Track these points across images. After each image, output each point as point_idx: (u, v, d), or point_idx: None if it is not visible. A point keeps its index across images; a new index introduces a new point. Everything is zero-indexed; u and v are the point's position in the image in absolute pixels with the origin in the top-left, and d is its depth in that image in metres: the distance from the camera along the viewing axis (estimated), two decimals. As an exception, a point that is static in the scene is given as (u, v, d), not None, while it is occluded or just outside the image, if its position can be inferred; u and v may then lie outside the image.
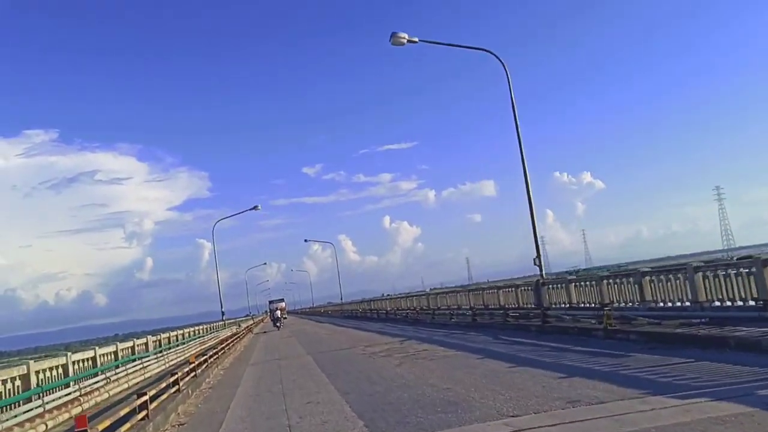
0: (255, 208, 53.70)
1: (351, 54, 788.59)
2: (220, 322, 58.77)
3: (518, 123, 25.47)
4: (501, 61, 25.29)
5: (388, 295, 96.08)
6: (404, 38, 24.54)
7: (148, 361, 23.88)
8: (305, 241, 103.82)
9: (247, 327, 62.47)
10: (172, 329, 40.83)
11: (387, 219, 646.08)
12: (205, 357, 22.93)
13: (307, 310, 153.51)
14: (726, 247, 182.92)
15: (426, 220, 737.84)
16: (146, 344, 27.31)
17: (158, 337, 30.80)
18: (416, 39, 25.01)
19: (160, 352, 27.93)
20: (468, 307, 31.51)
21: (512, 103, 25.43)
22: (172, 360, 27.49)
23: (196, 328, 45.87)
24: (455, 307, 34.59)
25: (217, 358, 26.06)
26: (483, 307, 29.73)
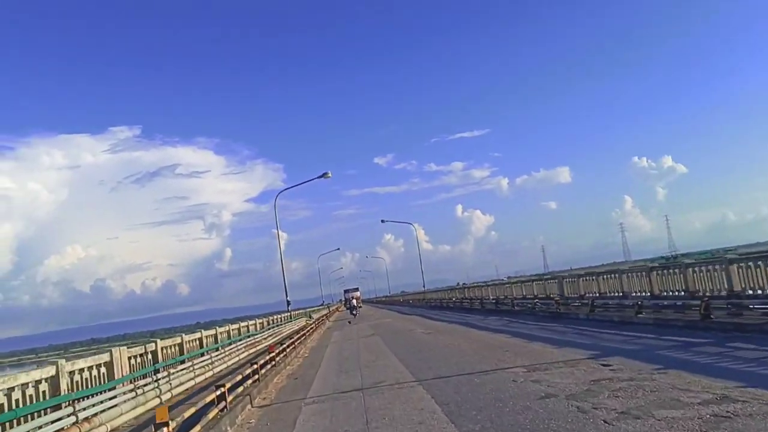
0: (325, 175, 44.98)
1: (420, 42, 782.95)
2: (286, 314, 50.54)
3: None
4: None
5: (464, 284, 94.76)
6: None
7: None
8: (382, 221, 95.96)
9: (319, 318, 57.95)
10: (251, 317, 38.99)
11: (459, 208, 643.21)
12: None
13: (384, 299, 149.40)
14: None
15: (499, 208, 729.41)
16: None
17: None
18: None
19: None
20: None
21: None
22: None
23: (248, 323, 33.43)
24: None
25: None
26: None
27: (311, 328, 39.64)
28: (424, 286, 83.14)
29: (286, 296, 46.37)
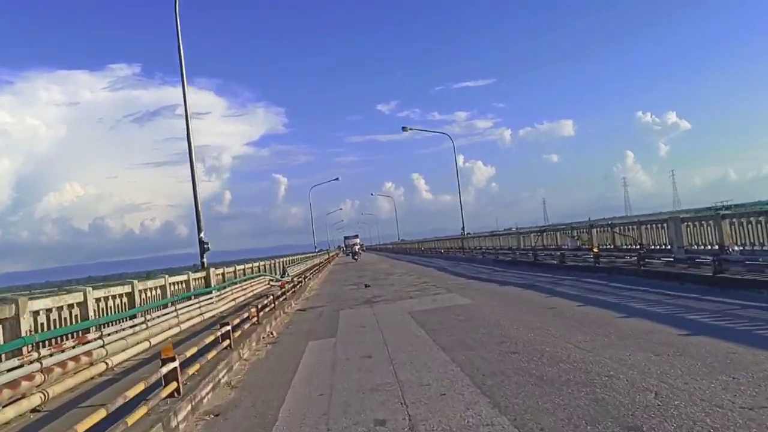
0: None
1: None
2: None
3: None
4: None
5: (468, 233, 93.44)
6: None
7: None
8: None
9: (324, 260, 71.31)
10: (254, 260, 39.49)
11: (461, 158, 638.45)
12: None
13: (391, 246, 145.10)
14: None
15: (501, 159, 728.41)
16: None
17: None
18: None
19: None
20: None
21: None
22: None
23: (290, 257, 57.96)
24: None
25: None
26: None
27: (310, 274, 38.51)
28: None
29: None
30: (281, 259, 47.87)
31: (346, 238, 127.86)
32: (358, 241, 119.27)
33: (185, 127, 22.42)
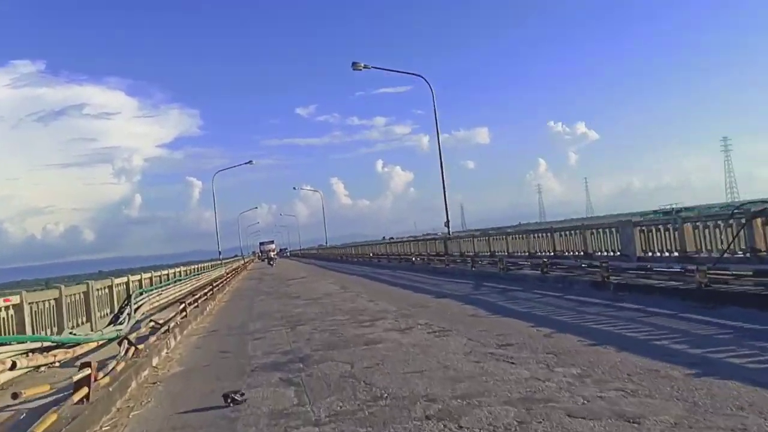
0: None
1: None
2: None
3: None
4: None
5: (391, 238, 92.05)
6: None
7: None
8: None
9: (232, 270, 52.81)
10: (163, 267, 38.03)
11: (380, 163, 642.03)
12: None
13: (316, 251, 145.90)
14: (730, 201, 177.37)
15: (419, 165, 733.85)
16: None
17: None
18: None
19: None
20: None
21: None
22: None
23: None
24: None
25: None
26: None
27: (223, 280, 33.08)
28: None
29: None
30: (144, 277, 25.65)
31: (261, 243, 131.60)
32: (273, 246, 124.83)
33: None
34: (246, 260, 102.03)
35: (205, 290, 23.26)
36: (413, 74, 33.45)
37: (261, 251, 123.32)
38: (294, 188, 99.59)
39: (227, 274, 43.03)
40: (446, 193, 32.49)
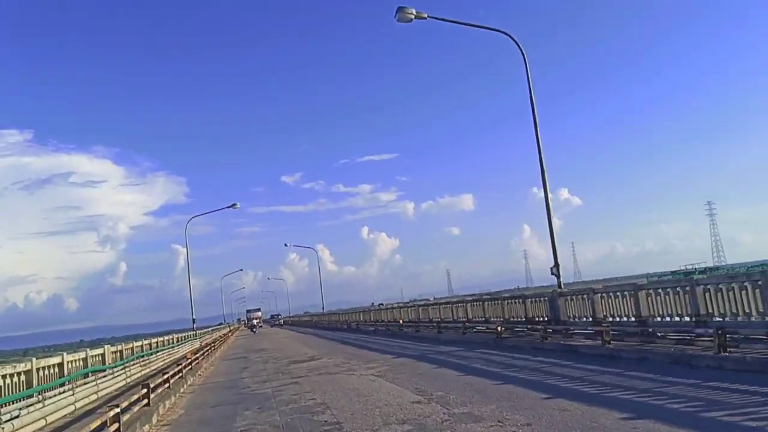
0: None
1: (334, 63, 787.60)
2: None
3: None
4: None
5: (381, 304, 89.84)
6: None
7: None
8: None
9: (211, 343, 40.66)
10: (145, 336, 35.54)
11: (365, 230, 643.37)
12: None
13: (309, 319, 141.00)
14: (717, 264, 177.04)
15: (404, 232, 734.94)
16: None
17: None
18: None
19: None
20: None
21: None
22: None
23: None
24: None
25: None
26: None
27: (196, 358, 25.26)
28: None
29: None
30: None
31: (248, 311, 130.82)
32: (259, 314, 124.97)
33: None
34: (232, 328, 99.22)
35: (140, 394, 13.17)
36: (495, 30, 22.96)
37: (248, 318, 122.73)
38: (286, 245, 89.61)
39: (200, 349, 32.17)
40: (552, 231, 22.38)
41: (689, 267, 79.53)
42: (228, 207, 50.10)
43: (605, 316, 18.22)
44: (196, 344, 42.13)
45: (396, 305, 57.23)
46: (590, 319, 18.82)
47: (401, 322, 37.15)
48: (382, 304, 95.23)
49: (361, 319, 54.25)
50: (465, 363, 17.02)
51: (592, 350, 15.88)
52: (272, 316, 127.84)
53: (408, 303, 69.15)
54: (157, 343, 32.61)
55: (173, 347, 34.28)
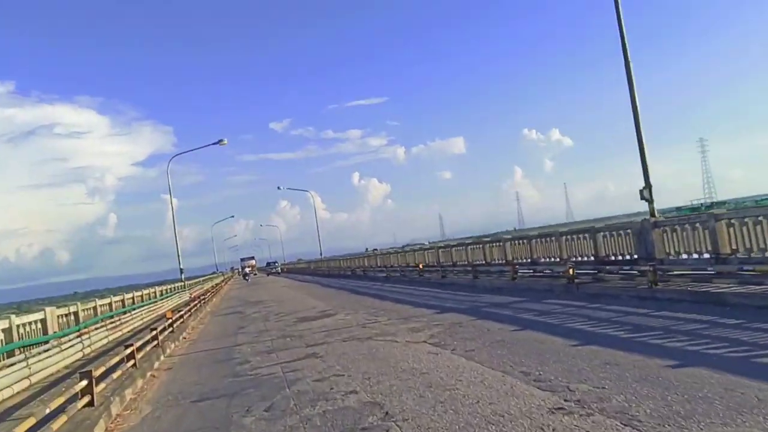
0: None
1: (321, 5, 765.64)
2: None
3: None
4: None
5: (375, 249, 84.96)
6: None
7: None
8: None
9: (202, 295, 35.20)
10: (137, 288, 35.28)
11: (356, 176, 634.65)
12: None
13: (305, 266, 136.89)
14: (708, 201, 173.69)
15: (396, 177, 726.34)
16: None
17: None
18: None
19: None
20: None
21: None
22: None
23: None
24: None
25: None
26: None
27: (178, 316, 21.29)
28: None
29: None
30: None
31: (242, 259, 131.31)
32: (253, 262, 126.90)
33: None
34: (226, 276, 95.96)
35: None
36: None
37: (242, 267, 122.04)
38: (279, 188, 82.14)
39: (188, 303, 28.04)
40: (642, 144, 17.35)
41: (695, 203, 79.46)
42: (214, 143, 44.10)
43: (734, 251, 13.36)
44: (186, 296, 37.64)
45: (392, 250, 53.02)
46: (710, 255, 13.95)
47: (421, 266, 32.00)
48: (376, 249, 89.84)
49: (367, 264, 48.96)
50: (555, 321, 11.89)
51: (748, 299, 10.97)
52: (268, 264, 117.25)
53: (404, 248, 64.10)
54: (141, 297, 28.89)
55: (155, 302, 29.39)
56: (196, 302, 27.97)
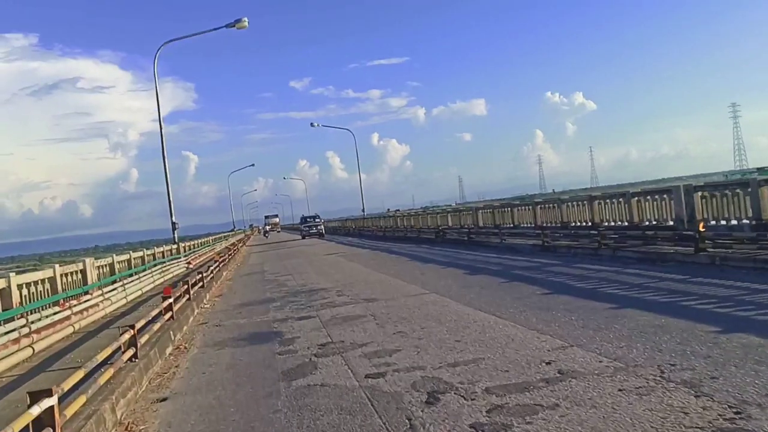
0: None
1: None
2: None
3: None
4: None
5: (397, 210, 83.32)
6: None
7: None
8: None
9: (203, 266, 24.57)
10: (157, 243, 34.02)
11: (376, 136, 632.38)
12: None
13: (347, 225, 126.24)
14: (739, 168, 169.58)
15: (415, 138, 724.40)
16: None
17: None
18: None
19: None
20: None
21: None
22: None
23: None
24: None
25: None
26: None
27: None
28: (363, 211, 66.79)
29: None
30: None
31: (266, 217, 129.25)
32: (276, 220, 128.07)
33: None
34: (247, 233, 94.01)
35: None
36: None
37: (265, 224, 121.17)
38: (312, 125, 62.45)
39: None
40: None
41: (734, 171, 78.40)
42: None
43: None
44: (179, 268, 27.21)
45: (421, 211, 50.96)
46: (750, 221, 13.68)
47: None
48: (398, 210, 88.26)
49: (420, 224, 41.55)
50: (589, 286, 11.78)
51: None
52: (304, 220, 68.20)
53: (425, 209, 61.80)
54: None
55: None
56: (184, 289, 14.61)
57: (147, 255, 24.60)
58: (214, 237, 63.22)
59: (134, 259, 21.65)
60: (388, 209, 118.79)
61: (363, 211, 66.71)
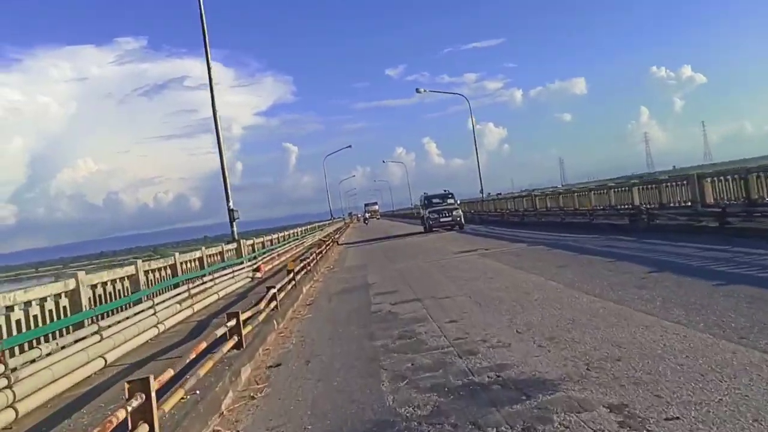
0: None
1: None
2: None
3: None
4: None
5: (498, 194, 79.87)
6: None
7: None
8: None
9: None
10: (267, 232, 35.68)
11: (472, 120, 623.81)
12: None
13: (398, 212, 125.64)
14: None
15: (512, 120, 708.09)
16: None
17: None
18: None
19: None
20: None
21: None
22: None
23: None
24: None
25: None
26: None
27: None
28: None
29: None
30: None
31: (366, 204, 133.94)
32: (375, 208, 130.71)
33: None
34: (347, 222, 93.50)
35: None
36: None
37: (365, 211, 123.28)
38: (418, 90, 59.14)
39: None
40: None
41: None
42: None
43: None
44: (234, 282, 17.30)
45: (537, 192, 44.32)
46: None
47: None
48: (500, 193, 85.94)
49: (561, 204, 32.48)
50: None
51: None
52: (428, 201, 40.71)
53: (528, 191, 58.10)
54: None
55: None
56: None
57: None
58: (303, 228, 52.36)
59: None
60: (489, 193, 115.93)
61: (481, 192, 56.12)
